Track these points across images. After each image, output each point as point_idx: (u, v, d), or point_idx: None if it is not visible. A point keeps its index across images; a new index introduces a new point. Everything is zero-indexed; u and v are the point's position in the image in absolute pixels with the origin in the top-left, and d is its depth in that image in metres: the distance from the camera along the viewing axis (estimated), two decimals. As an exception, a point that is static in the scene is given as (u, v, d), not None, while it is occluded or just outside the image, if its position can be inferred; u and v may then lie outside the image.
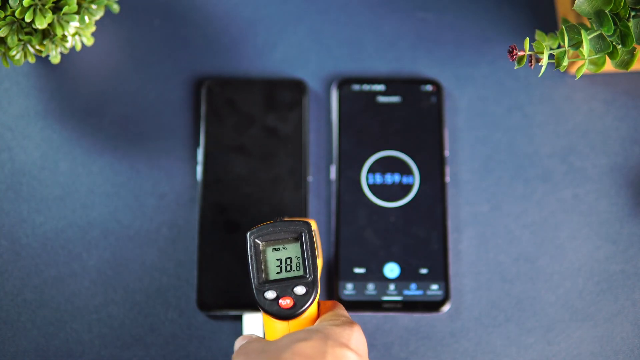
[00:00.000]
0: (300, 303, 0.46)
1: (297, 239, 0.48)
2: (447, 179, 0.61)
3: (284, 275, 0.47)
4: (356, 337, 0.45)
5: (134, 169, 0.61)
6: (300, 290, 0.47)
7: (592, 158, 0.62)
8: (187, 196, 0.61)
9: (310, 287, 0.47)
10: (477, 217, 0.61)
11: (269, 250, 0.48)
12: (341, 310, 0.49)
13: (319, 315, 0.48)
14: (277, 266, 0.48)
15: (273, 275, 0.47)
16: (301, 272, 0.47)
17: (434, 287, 0.59)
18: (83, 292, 0.59)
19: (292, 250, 0.48)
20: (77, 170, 0.61)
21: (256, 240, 0.48)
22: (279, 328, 0.47)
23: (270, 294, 0.47)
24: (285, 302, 0.46)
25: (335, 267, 0.59)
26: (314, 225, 0.50)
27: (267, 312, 0.46)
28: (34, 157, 0.61)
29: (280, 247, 0.48)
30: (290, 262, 0.48)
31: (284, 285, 0.47)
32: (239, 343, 0.48)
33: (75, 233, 0.60)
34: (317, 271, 0.47)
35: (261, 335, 0.57)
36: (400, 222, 0.60)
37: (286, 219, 0.49)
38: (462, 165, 0.62)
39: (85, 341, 0.58)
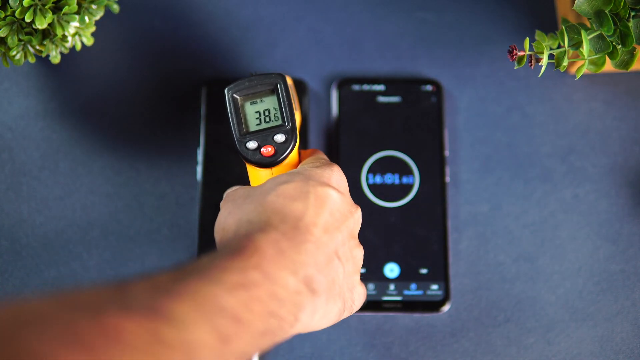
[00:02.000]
0: (280, 150, 0.48)
1: (273, 90, 0.49)
2: (447, 179, 0.61)
3: (263, 126, 0.49)
4: (336, 176, 0.47)
5: (134, 169, 0.61)
6: (280, 138, 0.49)
7: (592, 158, 0.62)
8: (187, 196, 0.61)
9: (289, 134, 0.49)
10: (477, 217, 0.61)
11: (247, 104, 0.50)
12: (320, 154, 0.50)
13: (300, 162, 0.50)
14: (257, 118, 0.50)
15: (253, 127, 0.49)
16: (279, 122, 0.49)
17: (434, 287, 0.59)
18: (83, 292, 0.59)
19: (269, 102, 0.50)
20: (77, 170, 0.61)
21: (234, 95, 0.49)
22: (263, 176, 0.49)
23: (252, 144, 0.49)
24: (267, 150, 0.49)
25: (335, 267, 0.59)
26: (289, 80, 0.52)
27: (250, 161, 0.49)
28: (34, 157, 0.61)
29: (258, 100, 0.50)
30: (269, 113, 0.50)
31: (264, 135, 0.49)
32: (226, 193, 0.50)
33: (75, 233, 0.60)
34: (294, 119, 0.49)
35: None
36: (400, 222, 0.60)
37: (260, 73, 0.50)
38: (462, 165, 0.62)
39: (85, 341, 0.58)
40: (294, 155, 0.49)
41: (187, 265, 0.38)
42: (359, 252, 0.48)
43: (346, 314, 0.47)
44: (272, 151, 0.48)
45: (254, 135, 0.49)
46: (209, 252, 0.40)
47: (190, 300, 0.36)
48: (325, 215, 0.44)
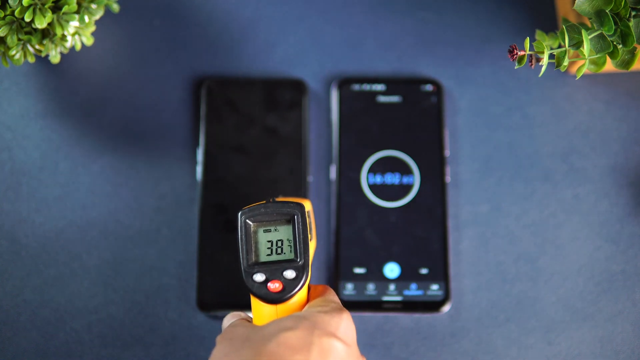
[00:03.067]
0: (289, 287, 0.45)
1: (290, 221, 0.46)
2: (447, 179, 0.61)
3: (274, 257, 0.46)
4: (345, 325, 0.44)
5: (134, 169, 0.61)
6: (290, 274, 0.46)
7: (592, 158, 0.62)
8: (187, 196, 0.61)
9: (301, 271, 0.45)
10: (477, 217, 0.61)
11: (260, 231, 0.47)
12: (331, 295, 0.47)
13: (308, 299, 0.47)
14: (268, 248, 0.46)
15: (263, 258, 0.46)
16: (292, 256, 0.46)
17: (434, 287, 0.59)
18: (83, 292, 0.59)
19: (283, 233, 0.47)
20: (77, 170, 0.61)
21: (247, 220, 0.46)
22: (267, 312, 0.46)
23: (259, 277, 0.45)
24: (274, 286, 0.45)
25: (335, 267, 0.59)
26: (308, 206, 0.49)
27: (255, 294, 0.45)
28: (33, 157, 0.61)
29: (272, 228, 0.47)
30: (282, 244, 0.46)
31: (274, 269, 0.46)
32: (227, 321, 0.47)
33: (75, 233, 0.60)
34: (308, 255, 0.46)
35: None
36: (401, 222, 0.60)
37: (279, 199, 0.48)
38: (462, 165, 0.62)
39: (85, 341, 0.58)
40: (302, 293, 0.46)
41: None
42: None
43: None
44: (280, 287, 0.45)
45: (262, 267, 0.46)
46: None
47: None
48: None
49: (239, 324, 0.45)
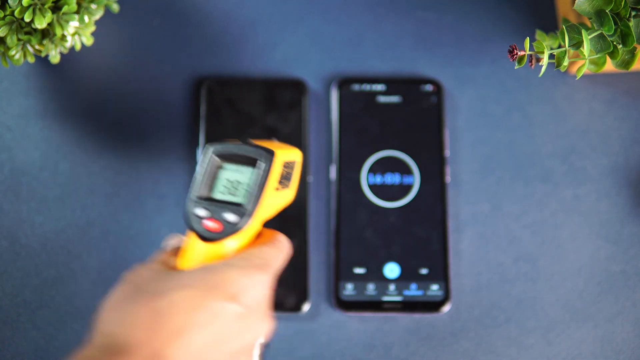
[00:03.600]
0: (226, 230, 0.43)
1: (255, 165, 0.44)
2: (447, 179, 0.61)
3: (224, 197, 0.44)
4: (253, 287, 0.41)
5: (134, 169, 0.61)
6: (231, 217, 0.43)
7: (592, 158, 0.62)
8: (187, 196, 0.61)
9: (242, 216, 0.43)
10: (477, 217, 0.61)
11: (223, 168, 0.45)
12: (266, 249, 0.44)
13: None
14: (224, 187, 0.44)
15: (215, 194, 0.44)
16: (242, 200, 0.43)
17: (434, 287, 0.59)
18: (83, 293, 0.59)
19: (245, 176, 0.44)
20: (77, 171, 0.61)
21: (214, 155, 0.45)
22: (197, 252, 0.44)
23: (201, 211, 0.43)
24: (212, 225, 0.43)
25: (335, 267, 0.59)
26: (292, 156, 0.47)
27: (189, 226, 0.43)
28: (33, 157, 0.61)
29: (235, 168, 0.45)
30: (238, 186, 0.44)
31: (218, 208, 0.43)
32: (164, 243, 0.46)
33: (75, 233, 0.60)
34: (257, 204, 0.43)
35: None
36: (400, 222, 0.60)
37: (257, 141, 0.46)
38: (462, 165, 0.62)
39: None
40: (242, 241, 0.44)
41: None
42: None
43: None
44: (218, 227, 0.43)
45: (209, 203, 0.44)
46: None
47: None
48: (207, 335, 0.39)
49: (149, 268, 0.43)
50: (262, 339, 0.44)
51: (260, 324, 0.42)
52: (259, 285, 0.42)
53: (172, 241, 0.47)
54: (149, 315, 0.39)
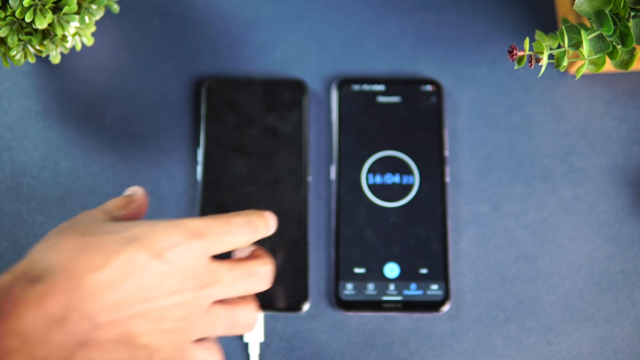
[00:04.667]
0: None
1: None
2: (447, 179, 0.61)
3: None
4: (180, 252, 0.42)
5: (134, 169, 0.61)
6: None
7: (592, 158, 0.62)
8: (187, 196, 0.61)
9: None
10: (477, 217, 0.61)
11: None
12: (213, 220, 0.44)
13: None
14: None
15: None
16: None
17: (434, 287, 0.59)
18: (83, 292, 0.59)
19: None
20: (78, 171, 0.61)
21: None
22: None
23: None
24: None
25: (335, 267, 0.59)
26: None
27: None
28: (34, 157, 0.61)
29: None
30: None
31: None
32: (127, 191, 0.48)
33: (75, 233, 0.60)
34: None
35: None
36: (400, 222, 0.60)
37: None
38: (462, 165, 0.62)
39: (85, 341, 0.58)
40: None
41: None
42: (187, 330, 0.43)
43: None
44: None
45: None
46: None
47: None
48: (125, 281, 0.40)
49: (90, 214, 0.45)
50: (196, 307, 0.44)
51: (185, 284, 0.42)
52: (183, 248, 0.42)
53: (129, 191, 0.48)
54: (73, 248, 0.40)
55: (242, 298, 0.47)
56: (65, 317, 0.39)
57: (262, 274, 0.46)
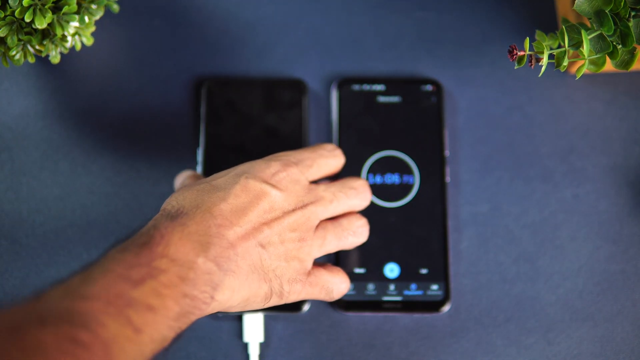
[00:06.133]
0: None
1: None
2: (447, 179, 0.61)
3: None
4: (280, 177, 0.50)
5: (134, 169, 0.61)
6: None
7: (592, 158, 0.62)
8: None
9: None
10: (477, 217, 0.61)
11: None
12: (303, 151, 0.54)
13: None
14: None
15: None
16: None
17: (434, 287, 0.59)
18: (83, 292, 0.59)
19: None
20: (77, 171, 0.61)
21: None
22: None
23: None
24: None
25: (335, 267, 0.59)
26: None
27: None
28: (33, 157, 0.61)
29: None
30: None
31: None
32: (179, 179, 0.57)
33: (75, 233, 0.60)
34: None
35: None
36: (400, 222, 0.60)
37: None
38: (462, 165, 0.62)
39: (85, 341, 0.58)
40: None
41: (97, 264, 0.42)
42: (293, 247, 0.50)
43: (275, 301, 0.49)
44: None
45: None
46: (123, 242, 0.44)
47: (100, 300, 0.39)
48: (244, 202, 0.48)
49: (190, 176, 0.55)
50: (306, 223, 0.51)
51: (287, 204, 0.50)
52: (283, 174, 0.50)
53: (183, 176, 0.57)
54: (198, 191, 0.48)
55: (347, 213, 0.54)
56: (205, 242, 0.45)
57: (358, 187, 0.54)
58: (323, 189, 0.52)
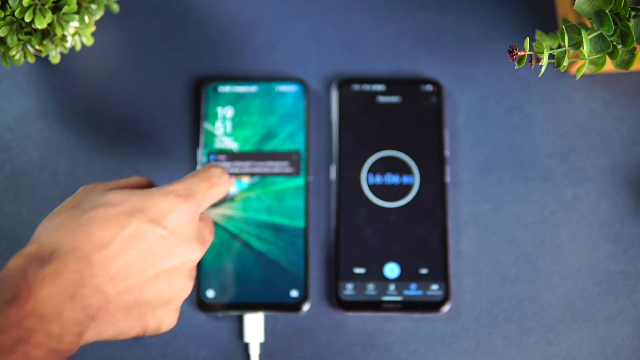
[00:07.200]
0: None
1: None
2: (447, 179, 0.61)
3: None
4: (175, 217, 0.46)
5: (134, 169, 0.61)
6: None
7: (592, 158, 0.62)
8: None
9: None
10: (477, 217, 0.61)
11: None
12: (193, 180, 0.49)
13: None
14: None
15: None
16: None
17: (434, 287, 0.59)
18: (83, 292, 0.59)
19: None
20: (77, 171, 0.61)
21: None
22: None
23: None
24: None
25: (335, 267, 0.59)
26: None
27: None
28: (33, 157, 0.61)
29: None
30: None
31: None
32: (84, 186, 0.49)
33: (75, 233, 0.60)
34: None
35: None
36: (400, 222, 0.60)
37: None
38: (462, 165, 0.62)
39: (85, 341, 0.58)
40: None
41: None
42: (180, 287, 0.47)
43: (146, 335, 0.47)
44: None
45: None
46: None
47: None
48: (132, 253, 0.43)
49: (91, 188, 0.48)
50: (192, 262, 0.48)
51: (183, 247, 0.46)
52: (180, 212, 0.46)
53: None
54: (80, 227, 0.43)
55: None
56: (77, 294, 0.41)
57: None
58: (210, 230, 0.51)
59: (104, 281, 0.42)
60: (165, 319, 0.47)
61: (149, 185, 0.52)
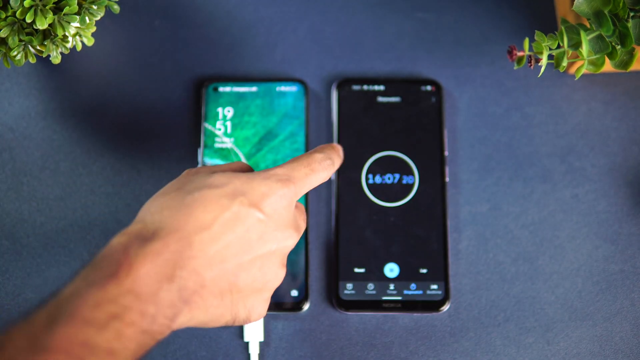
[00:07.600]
0: None
1: None
2: (447, 179, 0.61)
3: None
4: (275, 198, 0.46)
5: (135, 169, 0.61)
6: None
7: (591, 158, 0.62)
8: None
9: None
10: (477, 217, 0.61)
11: None
12: (294, 165, 0.49)
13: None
14: None
15: None
16: None
17: (434, 286, 0.59)
18: (84, 292, 0.59)
19: None
20: (78, 170, 0.61)
21: None
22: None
23: None
24: None
25: (335, 267, 0.59)
26: None
27: None
28: (34, 157, 0.61)
29: None
30: None
31: None
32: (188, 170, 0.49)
33: (76, 233, 0.60)
34: None
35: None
36: (400, 222, 0.60)
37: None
38: (462, 165, 0.62)
39: (86, 341, 0.58)
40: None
41: (64, 299, 0.39)
42: (273, 275, 0.47)
43: (235, 324, 0.47)
44: None
45: None
46: (86, 267, 0.41)
47: (62, 353, 0.37)
48: (231, 236, 0.44)
49: (196, 171, 0.48)
50: (286, 249, 0.48)
51: (280, 233, 0.46)
52: (278, 197, 0.46)
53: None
54: (183, 208, 0.43)
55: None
56: (175, 275, 0.41)
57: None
58: (304, 218, 0.50)
59: (202, 264, 0.42)
60: (256, 308, 0.47)
61: (250, 170, 0.51)
